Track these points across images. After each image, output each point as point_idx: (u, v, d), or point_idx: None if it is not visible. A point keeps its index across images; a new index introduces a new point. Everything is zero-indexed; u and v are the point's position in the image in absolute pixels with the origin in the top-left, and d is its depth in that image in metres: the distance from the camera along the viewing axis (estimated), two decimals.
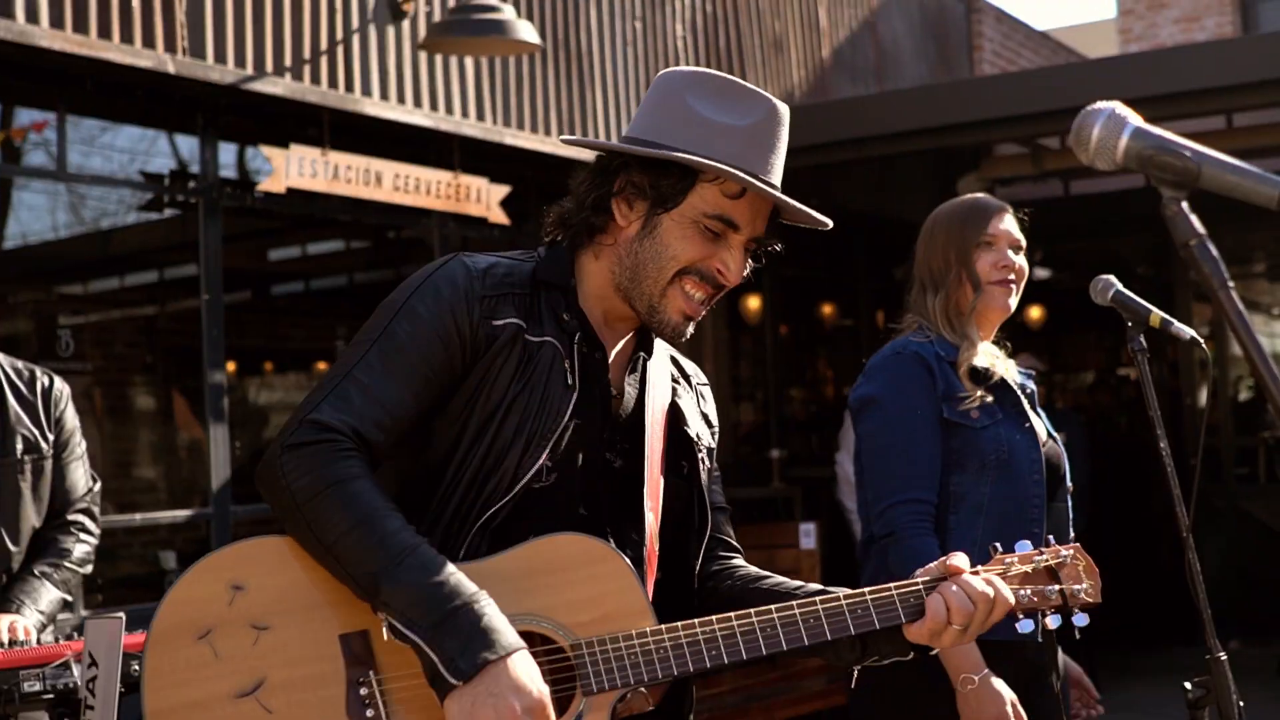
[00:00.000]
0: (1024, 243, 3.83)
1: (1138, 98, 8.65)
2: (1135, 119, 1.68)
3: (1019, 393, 3.73)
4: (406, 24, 7.88)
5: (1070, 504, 3.81)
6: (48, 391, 4.27)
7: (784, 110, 2.46)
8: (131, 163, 7.47)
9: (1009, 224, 3.79)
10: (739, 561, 2.65)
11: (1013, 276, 3.76)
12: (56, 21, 6.03)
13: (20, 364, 4.31)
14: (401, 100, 7.79)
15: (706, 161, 2.34)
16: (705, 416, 2.66)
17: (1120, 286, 3.55)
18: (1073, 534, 3.81)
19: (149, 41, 6.43)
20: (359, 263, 10.89)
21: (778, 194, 2.38)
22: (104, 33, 6.23)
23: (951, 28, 13.40)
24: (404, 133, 7.99)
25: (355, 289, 11.15)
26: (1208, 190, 1.60)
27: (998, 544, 2.58)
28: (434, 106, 8.01)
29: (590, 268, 2.49)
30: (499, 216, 8.48)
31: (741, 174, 2.34)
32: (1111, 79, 9.15)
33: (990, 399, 3.68)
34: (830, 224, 2.44)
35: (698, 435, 2.59)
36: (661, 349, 2.63)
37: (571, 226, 2.49)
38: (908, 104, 9.94)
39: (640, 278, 2.42)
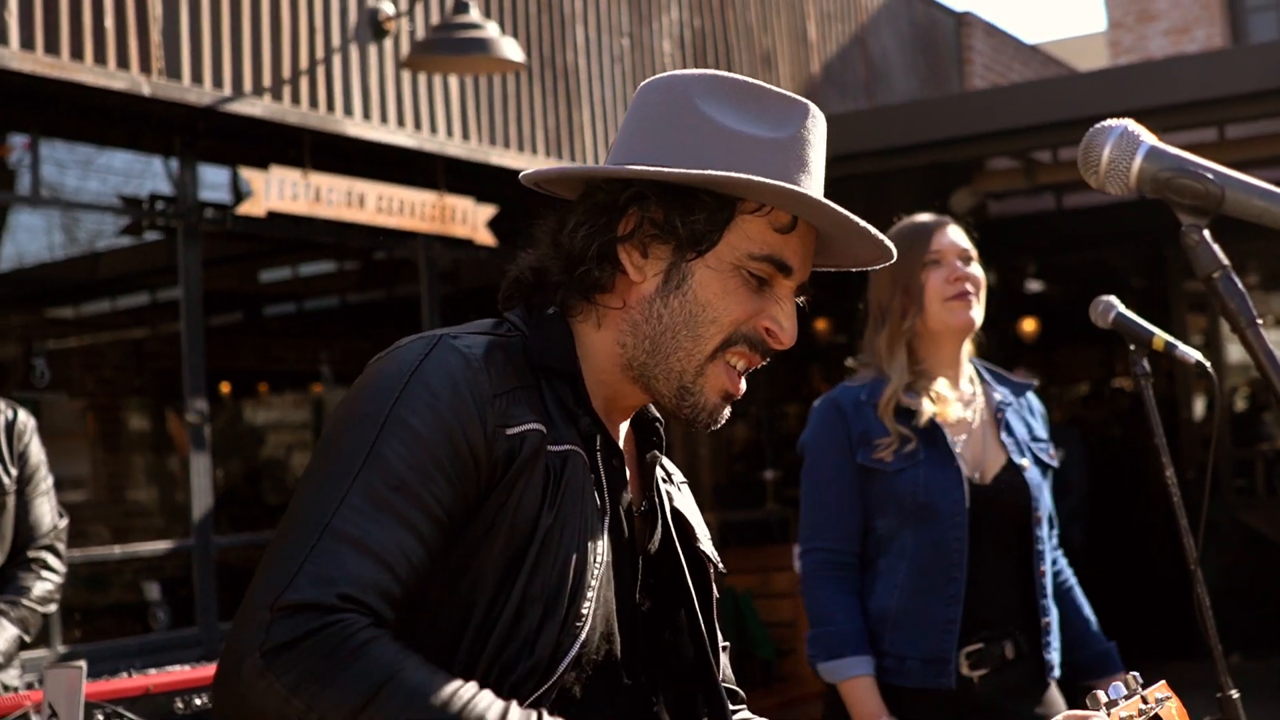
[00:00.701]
0: (974, 252, 3.69)
1: (1128, 110, 8.55)
2: (1149, 138, 1.52)
3: (944, 432, 3.58)
4: (389, 42, 7.75)
5: (1047, 530, 3.68)
6: (10, 425, 4.15)
7: (821, 116, 1.89)
8: (109, 185, 7.33)
9: (953, 236, 3.66)
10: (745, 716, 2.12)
11: (969, 287, 3.61)
12: (27, 43, 5.90)
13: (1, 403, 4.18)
14: (384, 120, 7.66)
15: (767, 182, 1.75)
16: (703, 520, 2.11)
17: (1122, 308, 3.43)
18: (1050, 560, 3.69)
19: (123, 63, 6.30)
20: (350, 283, 10.80)
21: (858, 220, 1.81)
22: (76, 54, 6.10)
23: (941, 42, 13.29)
24: (387, 153, 7.86)
25: (347, 310, 11.08)
26: (1231, 216, 1.46)
27: (1099, 693, 2.17)
28: (417, 126, 7.88)
29: (591, 342, 1.87)
30: (486, 237, 8.35)
31: (809, 194, 1.77)
32: (1103, 91, 9.06)
33: (911, 442, 3.55)
34: (892, 250, 1.89)
35: (712, 554, 2.01)
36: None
37: (562, 286, 1.86)
38: (900, 119, 9.85)
39: (667, 350, 1.82)
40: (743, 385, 1.86)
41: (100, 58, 6.21)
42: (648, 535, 1.91)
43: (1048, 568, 3.64)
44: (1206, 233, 1.47)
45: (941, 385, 3.63)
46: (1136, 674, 1.68)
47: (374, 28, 7.66)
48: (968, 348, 3.73)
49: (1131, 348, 3.43)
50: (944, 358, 3.67)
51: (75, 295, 8.96)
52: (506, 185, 8.69)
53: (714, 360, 1.82)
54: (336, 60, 7.42)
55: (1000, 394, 3.75)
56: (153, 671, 3.83)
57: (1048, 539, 3.69)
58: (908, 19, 12.80)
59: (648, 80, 1.93)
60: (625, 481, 1.86)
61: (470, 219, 8.25)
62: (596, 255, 1.83)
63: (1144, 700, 2.04)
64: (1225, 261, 1.45)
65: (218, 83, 6.78)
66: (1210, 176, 1.47)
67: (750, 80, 1.88)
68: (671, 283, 1.83)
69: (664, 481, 1.99)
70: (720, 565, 2.02)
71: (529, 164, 8.55)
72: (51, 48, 6.00)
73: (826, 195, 1.84)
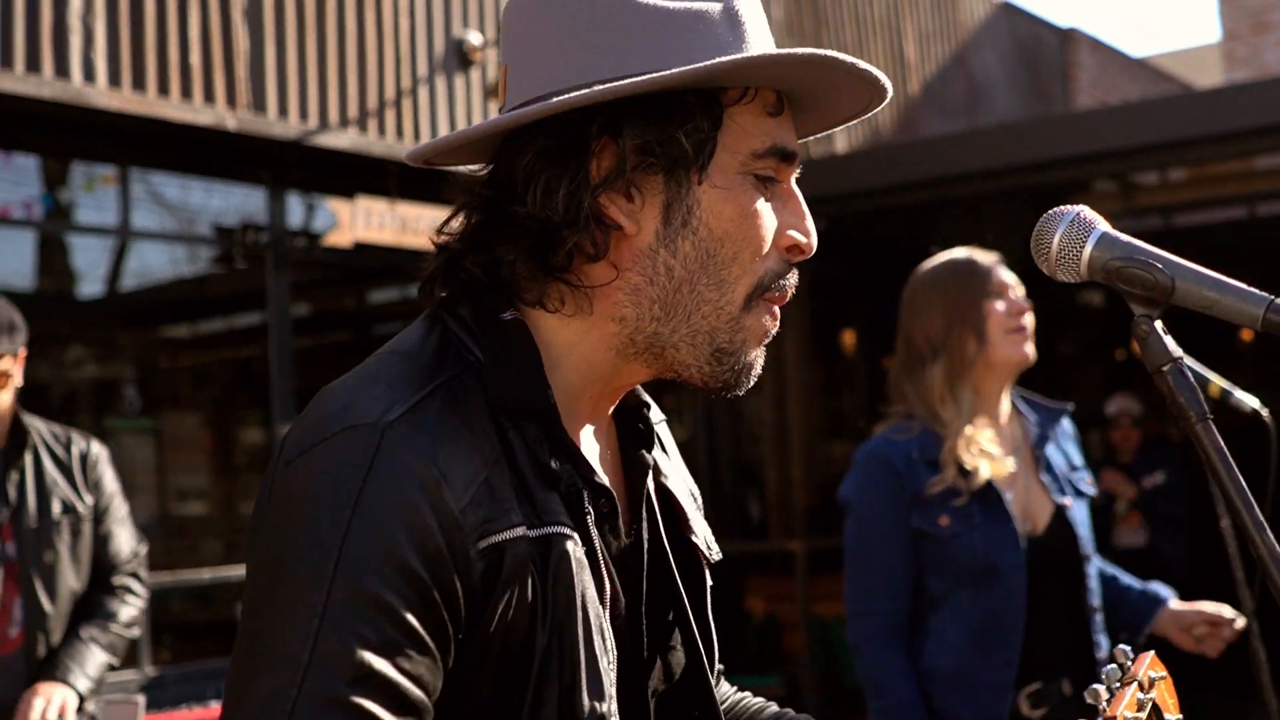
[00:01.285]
0: (1023, 289, 3.63)
1: (1244, 130, 8.32)
2: (1102, 225, 1.47)
3: (998, 490, 3.50)
4: (475, 72, 7.81)
5: (1091, 571, 3.61)
6: (84, 455, 4.28)
7: None
8: (204, 216, 7.47)
9: (1009, 274, 3.60)
10: (726, 686, 1.89)
11: (1024, 322, 3.52)
12: (114, 80, 6.02)
13: (58, 429, 4.32)
14: None
15: (777, 53, 1.41)
16: (691, 492, 1.73)
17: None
18: (1095, 603, 3.61)
19: (209, 97, 6.41)
20: None
21: (861, 65, 1.45)
22: (163, 90, 6.21)
23: (1046, 58, 13.10)
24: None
25: None
26: (1182, 307, 1.41)
27: (1098, 688, 2.03)
28: None
29: (571, 338, 1.49)
30: None
31: (819, 53, 1.42)
32: (1216, 109, 8.81)
33: (962, 496, 3.45)
34: (887, 85, 1.50)
35: (707, 545, 1.66)
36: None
37: (533, 278, 1.46)
38: (1002, 139, 9.67)
39: (687, 310, 1.46)
40: (777, 325, 1.51)
41: (186, 93, 6.32)
42: (649, 560, 1.58)
43: (1099, 602, 3.58)
44: (1158, 324, 1.42)
45: (986, 438, 3.54)
46: (1125, 648, 1.55)
47: (460, 58, 7.72)
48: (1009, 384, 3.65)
49: None
50: (993, 393, 3.60)
51: (183, 316, 9.14)
52: None
53: (750, 309, 1.47)
54: (423, 91, 7.49)
55: (1036, 425, 3.65)
56: None
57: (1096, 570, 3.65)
58: (1010, 36, 12.64)
59: None
60: (616, 514, 1.50)
61: None
62: (586, 217, 1.43)
63: (1141, 687, 1.86)
64: (1177, 354, 1.40)
65: (304, 115, 6.88)
66: (1160, 266, 1.42)
67: None
68: (675, 222, 1.45)
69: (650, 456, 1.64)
70: (714, 554, 1.66)
71: None
72: (138, 84, 6.13)
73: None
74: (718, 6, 1.46)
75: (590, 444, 1.54)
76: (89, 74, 5.94)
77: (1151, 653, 1.75)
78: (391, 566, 1.31)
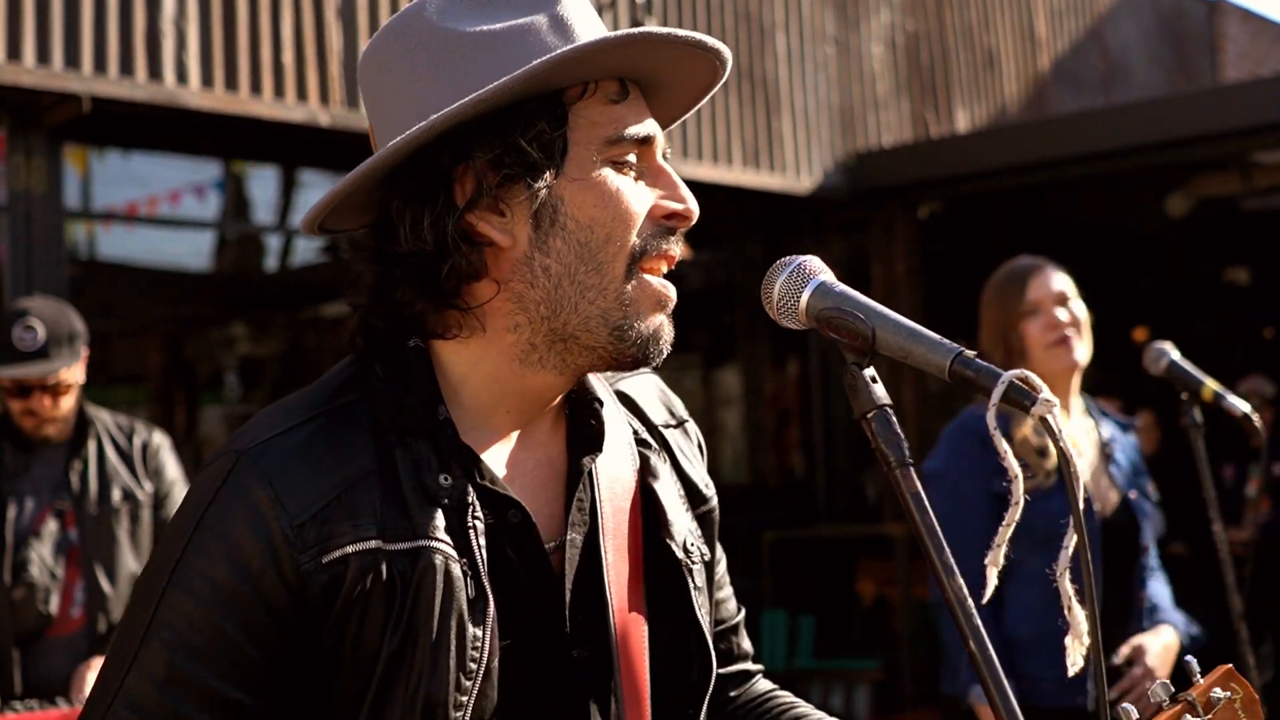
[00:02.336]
0: (1072, 293, 3.73)
1: None
2: (824, 275, 1.51)
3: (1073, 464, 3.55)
4: None
5: (1145, 564, 3.70)
6: (146, 445, 4.52)
7: None
8: (301, 207, 7.72)
9: (1050, 280, 3.74)
10: (760, 687, 1.91)
11: (1068, 332, 3.67)
12: (207, 81, 6.26)
13: (122, 419, 4.58)
14: None
15: (590, 41, 1.51)
16: (691, 488, 1.77)
17: (1175, 356, 3.40)
18: (1144, 593, 3.72)
19: (302, 95, 6.62)
20: None
21: (684, 34, 1.54)
22: (255, 89, 6.44)
23: (1191, 31, 12.75)
24: None
25: None
26: (885, 355, 1.45)
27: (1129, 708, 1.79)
28: None
29: (471, 357, 1.58)
30: (681, 250, 8.41)
31: (630, 32, 1.52)
32: None
33: (1038, 474, 3.56)
34: (719, 49, 1.59)
35: (687, 547, 1.70)
36: (609, 400, 1.72)
37: (420, 310, 1.56)
38: (1140, 116, 9.36)
39: (573, 301, 1.54)
40: (672, 289, 1.58)
41: (279, 91, 6.54)
42: (579, 566, 1.61)
43: (1147, 592, 3.71)
44: (867, 372, 1.46)
45: (1061, 419, 3.64)
46: (1192, 660, 1.53)
47: None
48: (1076, 383, 3.75)
49: (1183, 396, 3.33)
50: (1057, 395, 3.71)
51: (290, 303, 9.44)
52: (700, 197, 8.74)
53: (631, 279, 1.54)
54: None
55: (1107, 430, 3.81)
56: None
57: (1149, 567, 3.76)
58: (1152, 8, 12.32)
59: (367, 48, 1.63)
60: (530, 531, 1.56)
61: None
62: (454, 240, 1.51)
63: (1195, 709, 1.59)
64: (883, 401, 1.44)
65: None
66: (862, 316, 1.47)
67: None
68: (544, 224, 1.53)
69: (640, 445, 1.72)
70: (694, 555, 1.70)
71: (725, 175, 8.60)
72: (231, 84, 6.36)
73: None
74: (542, 17, 1.55)
75: (509, 457, 1.61)
76: (182, 76, 6.18)
77: (1227, 667, 1.66)
78: (209, 582, 1.47)
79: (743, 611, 1.91)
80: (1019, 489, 1.33)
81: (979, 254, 10.02)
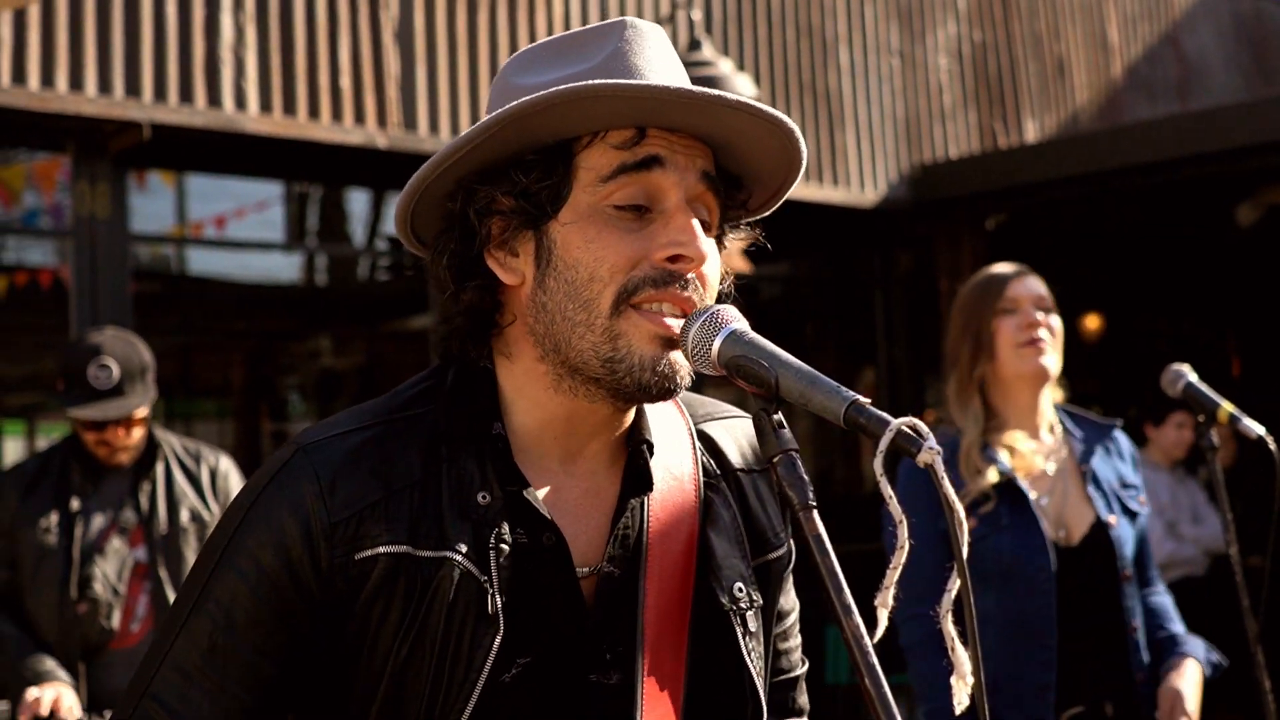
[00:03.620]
0: (1052, 303, 3.63)
1: None
2: (737, 323, 1.55)
3: (1026, 491, 3.48)
4: None
5: (1130, 592, 3.53)
6: (214, 470, 4.69)
7: (644, 24, 1.68)
8: (359, 228, 7.84)
9: (1031, 285, 3.63)
10: None
11: (1041, 334, 3.55)
12: (265, 106, 6.39)
13: (190, 443, 4.75)
14: None
15: (558, 90, 1.54)
16: (758, 534, 1.78)
17: (1192, 378, 3.34)
18: (1143, 611, 3.56)
19: (359, 118, 6.73)
20: None
21: (670, 85, 1.56)
22: (313, 113, 6.56)
23: (1272, 34, 12.55)
24: None
25: None
26: (788, 401, 1.49)
27: None
28: None
29: (518, 382, 1.67)
30: (740, 265, 8.44)
31: (612, 82, 1.55)
32: None
33: (990, 502, 3.46)
34: (791, 126, 1.65)
35: (734, 593, 1.71)
36: (670, 433, 1.75)
37: (465, 332, 1.68)
38: (1210, 123, 9.23)
39: (567, 337, 1.60)
40: (676, 324, 1.59)
41: (337, 115, 6.66)
42: (613, 596, 1.66)
43: (1139, 623, 3.53)
44: (776, 417, 1.51)
45: (1017, 438, 3.56)
46: None
47: None
48: (1049, 395, 3.65)
49: (1200, 419, 3.31)
50: (1021, 407, 3.61)
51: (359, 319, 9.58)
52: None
53: (620, 316, 1.59)
54: None
55: (1082, 441, 3.64)
56: None
57: (1139, 592, 3.59)
58: (1230, 12, 12.14)
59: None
60: (563, 556, 1.62)
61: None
62: (463, 277, 1.65)
63: None
64: (789, 446, 1.48)
65: (455, 131, 7.15)
66: (765, 364, 1.51)
67: (576, 30, 1.70)
68: (543, 264, 1.61)
69: (708, 486, 1.74)
70: (743, 601, 1.71)
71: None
72: (289, 109, 6.49)
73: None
74: (597, 61, 1.63)
75: (556, 483, 1.68)
76: (240, 102, 6.32)
77: None
78: (254, 562, 1.59)
79: (805, 665, 1.93)
80: (901, 534, 1.35)
81: (1047, 265, 9.94)
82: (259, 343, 9.79)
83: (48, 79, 5.84)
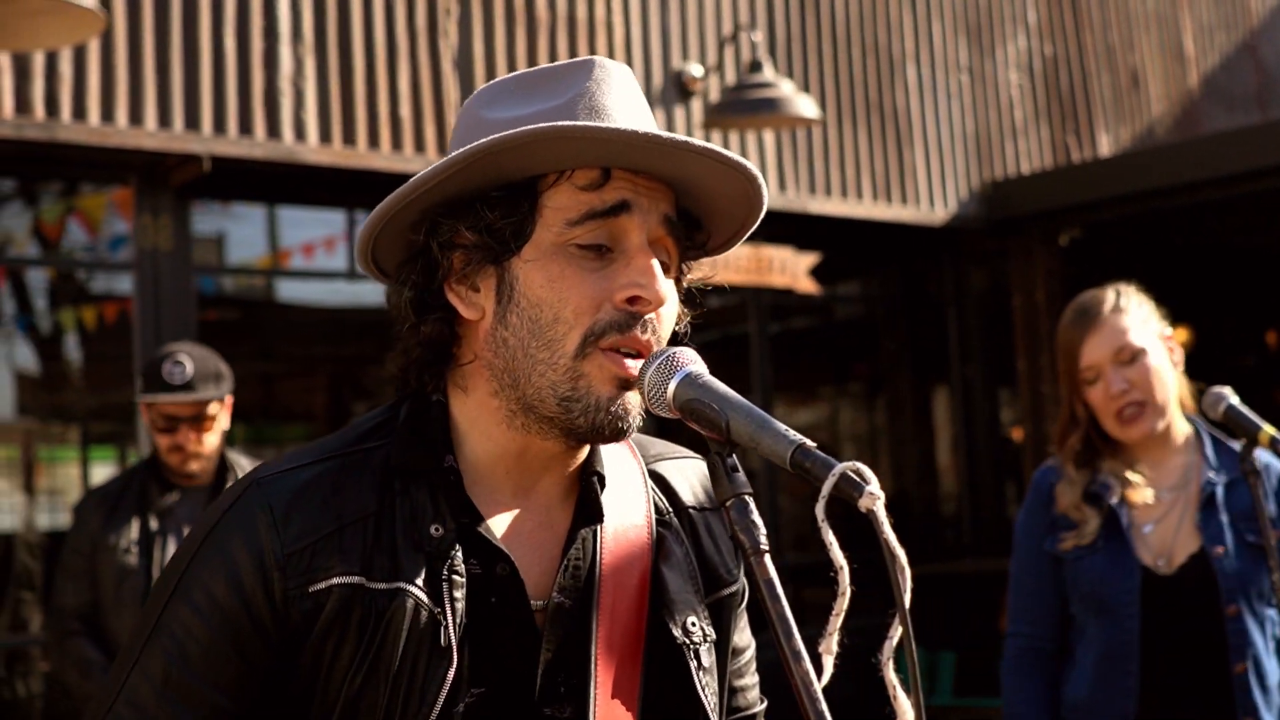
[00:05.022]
0: (1133, 342, 3.45)
1: None
2: (694, 365, 1.54)
3: (1124, 518, 3.41)
4: (696, 101, 7.96)
5: (1239, 628, 3.32)
6: None
7: (613, 64, 1.68)
8: None
9: (1107, 339, 3.43)
10: None
11: (1135, 398, 3.41)
12: (325, 137, 6.46)
13: (245, 460, 4.79)
14: None
15: (520, 131, 1.55)
16: (710, 571, 1.79)
17: (1233, 400, 3.24)
18: (1243, 663, 3.41)
19: (419, 147, 6.78)
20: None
21: (638, 129, 1.57)
22: (373, 143, 6.62)
23: None
24: None
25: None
26: (740, 444, 1.48)
27: None
28: None
29: (471, 415, 1.67)
30: (807, 285, 8.41)
31: (575, 124, 1.56)
32: None
33: (1091, 525, 3.41)
34: (754, 171, 1.64)
35: (687, 627, 1.71)
36: (623, 473, 1.77)
37: (422, 365, 1.68)
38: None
39: (527, 373, 1.61)
40: (635, 366, 1.59)
41: (397, 144, 6.71)
42: (565, 627, 1.67)
43: (1250, 664, 3.32)
44: (730, 460, 1.50)
45: (1139, 483, 3.48)
46: None
47: (679, 89, 7.88)
48: (1175, 429, 3.50)
49: (1242, 442, 3.24)
50: (1137, 451, 3.55)
51: None
52: (830, 233, 8.74)
53: (585, 358, 1.59)
54: None
55: (1214, 468, 3.47)
56: None
57: (1264, 630, 3.38)
58: None
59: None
60: (516, 587, 1.63)
61: (789, 268, 8.34)
62: (423, 310, 1.65)
63: None
64: (742, 489, 1.47)
65: None
66: (716, 408, 1.50)
67: (544, 66, 1.70)
68: (504, 300, 1.61)
69: (659, 524, 1.75)
70: (696, 636, 1.72)
71: (855, 210, 8.56)
72: (349, 139, 6.54)
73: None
74: (564, 100, 1.63)
75: (511, 516, 1.68)
76: (300, 133, 6.38)
77: None
78: (207, 594, 1.59)
79: (764, 703, 1.90)
80: (842, 580, 1.33)
81: (1123, 279, 9.78)
82: (340, 368, 9.90)
83: (108, 113, 5.93)
